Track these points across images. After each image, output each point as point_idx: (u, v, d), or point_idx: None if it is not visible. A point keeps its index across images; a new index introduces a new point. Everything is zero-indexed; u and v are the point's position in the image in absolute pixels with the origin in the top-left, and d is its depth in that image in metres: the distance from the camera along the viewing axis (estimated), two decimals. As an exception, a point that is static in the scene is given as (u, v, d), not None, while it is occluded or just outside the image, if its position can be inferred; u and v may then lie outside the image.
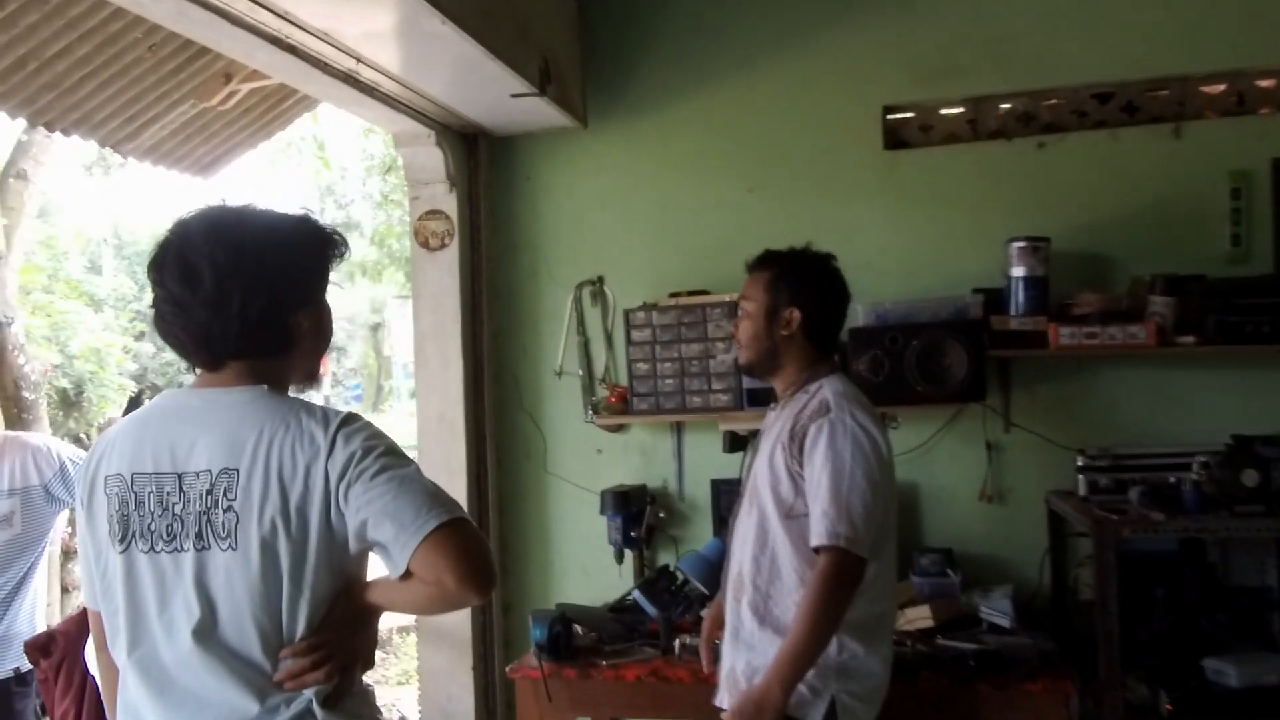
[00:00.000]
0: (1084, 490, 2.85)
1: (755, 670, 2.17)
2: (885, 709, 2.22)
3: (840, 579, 2.07)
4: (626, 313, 3.35)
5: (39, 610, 3.02)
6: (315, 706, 1.43)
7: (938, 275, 3.17)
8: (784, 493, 2.20)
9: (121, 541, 1.46)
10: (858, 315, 2.97)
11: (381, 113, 3.17)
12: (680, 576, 2.99)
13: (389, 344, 17.84)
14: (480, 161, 3.59)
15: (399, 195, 10.43)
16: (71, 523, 4.12)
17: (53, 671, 2.74)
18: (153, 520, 1.44)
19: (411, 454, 1.50)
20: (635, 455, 3.52)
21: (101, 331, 9.45)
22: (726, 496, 3.26)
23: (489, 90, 3.08)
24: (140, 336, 10.67)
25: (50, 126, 3.40)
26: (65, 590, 5.77)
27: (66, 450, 3.00)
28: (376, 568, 1.48)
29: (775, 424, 2.30)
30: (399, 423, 13.03)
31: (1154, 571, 2.80)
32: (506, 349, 3.65)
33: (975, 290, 3.04)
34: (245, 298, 1.44)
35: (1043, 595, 3.06)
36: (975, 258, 3.14)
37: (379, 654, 4.10)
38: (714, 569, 2.78)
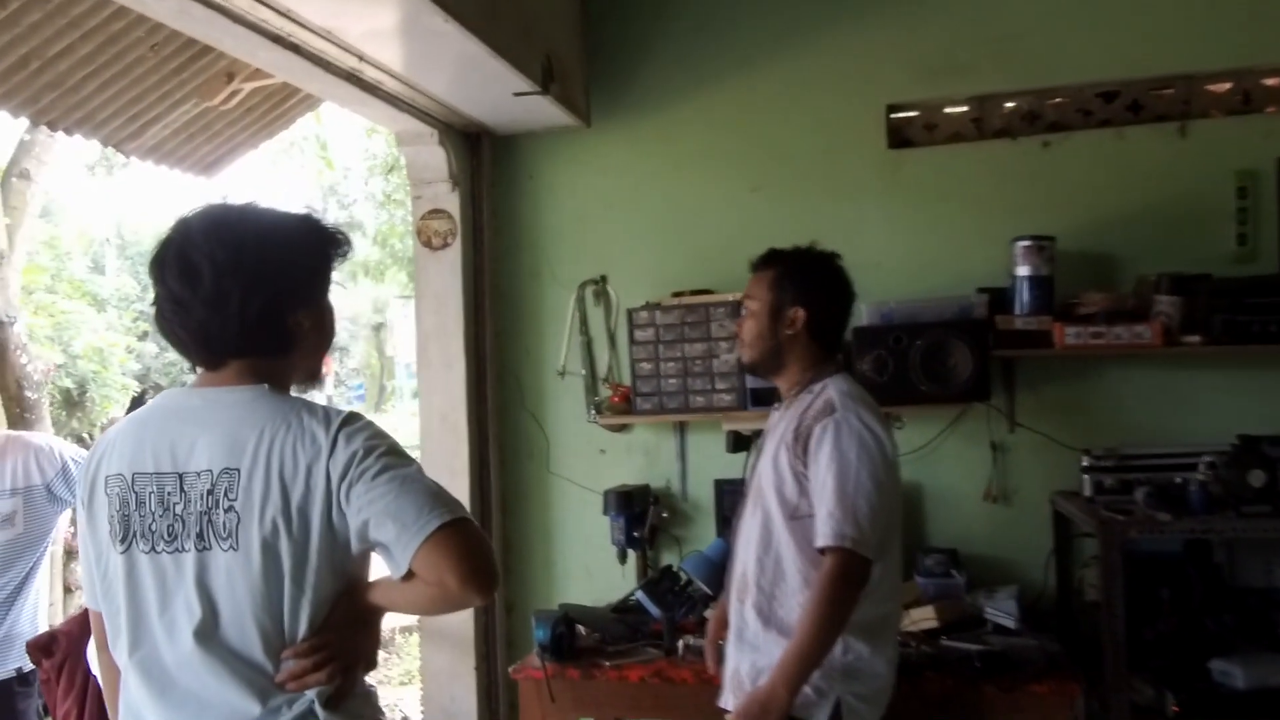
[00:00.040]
0: (1089, 491, 2.84)
1: (760, 671, 2.16)
2: (890, 710, 2.21)
3: (846, 580, 2.06)
4: (630, 312, 3.34)
5: (41, 610, 3.02)
6: (317, 707, 1.42)
7: (942, 274, 3.15)
8: (788, 493, 2.19)
9: (122, 542, 1.45)
10: (862, 315, 2.96)
11: (384, 112, 3.16)
12: (683, 577, 2.98)
13: (391, 344, 17.87)
14: (483, 160, 3.58)
15: (401, 195, 10.45)
16: (74, 522, 4.11)
17: (55, 672, 2.73)
18: (154, 520, 1.43)
19: (414, 454, 1.49)
20: (638, 455, 3.51)
21: (104, 331, 9.47)
22: (730, 496, 3.25)
23: (492, 89, 3.07)
24: (143, 336, 10.70)
25: (53, 126, 3.40)
26: (68, 590, 5.77)
27: (69, 450, 3.00)
28: (379, 568, 1.47)
29: (779, 424, 2.29)
30: (401, 423, 13.05)
31: (1159, 572, 2.79)
32: (509, 349, 3.64)
33: (980, 290, 3.03)
34: (245, 296, 1.43)
35: (1047, 596, 3.05)
36: (980, 257, 3.12)
37: (381, 654, 4.09)
38: (717, 569, 2.77)
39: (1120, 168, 3.10)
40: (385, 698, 5.65)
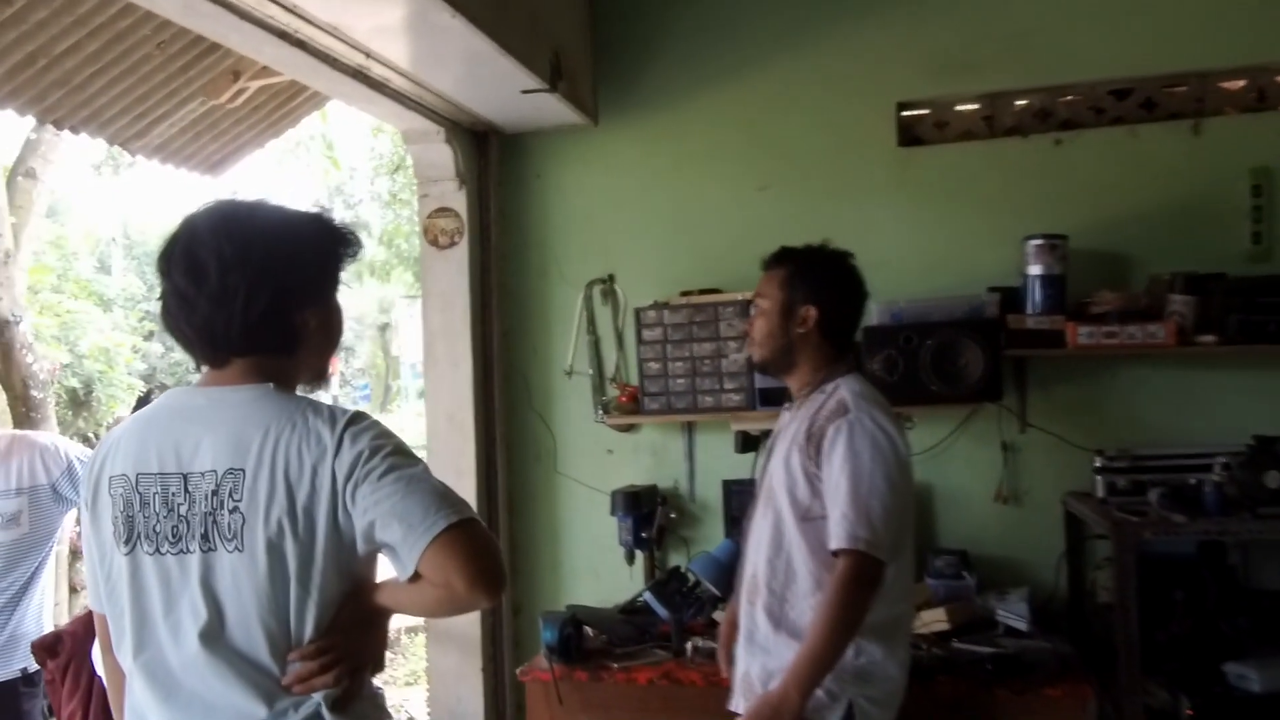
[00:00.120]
0: (1102, 492, 2.81)
1: (770, 674, 2.14)
2: (902, 713, 2.19)
3: (860, 582, 2.04)
4: (637, 311, 3.32)
5: (46, 610, 3.01)
6: (324, 710, 1.40)
7: (953, 273, 3.13)
8: (800, 495, 2.16)
9: (126, 543, 1.43)
10: (872, 314, 2.93)
11: (391, 109, 3.15)
12: (692, 578, 2.96)
13: (397, 344, 17.89)
14: (490, 159, 3.56)
15: (407, 195, 10.46)
16: (79, 522, 4.11)
17: (60, 672, 2.72)
18: (158, 521, 1.41)
19: (420, 454, 1.47)
20: (646, 455, 3.49)
21: (110, 331, 9.50)
22: (738, 497, 3.23)
23: (499, 86, 3.05)
24: (149, 336, 10.72)
25: (59, 124, 3.39)
26: (73, 590, 5.77)
27: (74, 449, 2.99)
28: (386, 569, 1.45)
29: (791, 425, 2.27)
30: (408, 423, 13.06)
31: (1173, 574, 2.76)
32: (516, 348, 3.62)
33: (991, 289, 3.01)
34: (250, 293, 1.41)
35: (1059, 598, 3.02)
36: (991, 256, 3.10)
37: (388, 655, 4.08)
38: (726, 570, 2.75)
39: (1133, 166, 3.08)
40: (391, 698, 5.66)
